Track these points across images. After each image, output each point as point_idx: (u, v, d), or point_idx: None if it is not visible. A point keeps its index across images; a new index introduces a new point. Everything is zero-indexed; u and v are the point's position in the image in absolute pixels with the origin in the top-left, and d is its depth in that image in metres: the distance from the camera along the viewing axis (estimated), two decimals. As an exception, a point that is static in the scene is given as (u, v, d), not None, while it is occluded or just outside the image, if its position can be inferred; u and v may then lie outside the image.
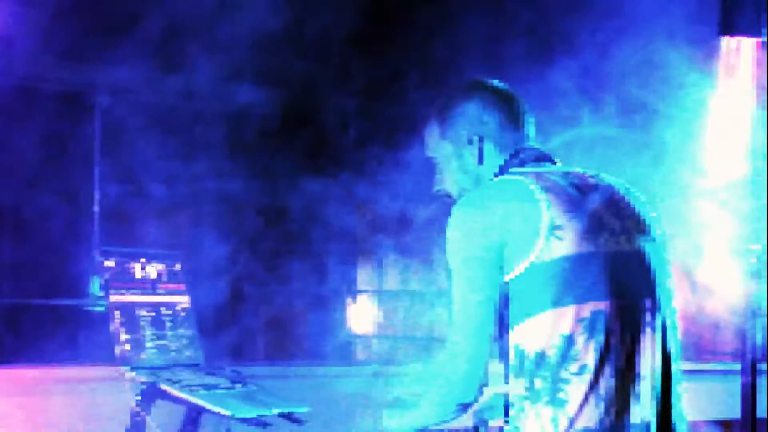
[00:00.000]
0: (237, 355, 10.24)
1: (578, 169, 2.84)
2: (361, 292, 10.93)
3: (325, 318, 10.59)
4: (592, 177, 2.81)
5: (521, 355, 2.67)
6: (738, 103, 6.34)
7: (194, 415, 3.74)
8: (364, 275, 10.98)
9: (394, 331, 10.83)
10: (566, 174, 2.78)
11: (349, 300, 10.77)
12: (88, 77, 8.71)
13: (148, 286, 3.79)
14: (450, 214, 2.75)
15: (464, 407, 2.73)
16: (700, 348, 7.90)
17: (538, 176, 2.74)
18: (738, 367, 5.86)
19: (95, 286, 7.21)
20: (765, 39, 5.98)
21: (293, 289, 10.78)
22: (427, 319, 10.54)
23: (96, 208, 8.82)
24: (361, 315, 10.89)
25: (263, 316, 11.22)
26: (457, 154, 2.90)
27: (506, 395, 2.75)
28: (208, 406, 3.51)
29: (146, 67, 8.47)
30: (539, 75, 6.04)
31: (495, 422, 3.47)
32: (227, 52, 8.04)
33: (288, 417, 3.71)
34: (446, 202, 2.94)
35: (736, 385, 5.75)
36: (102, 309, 3.73)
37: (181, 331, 3.84)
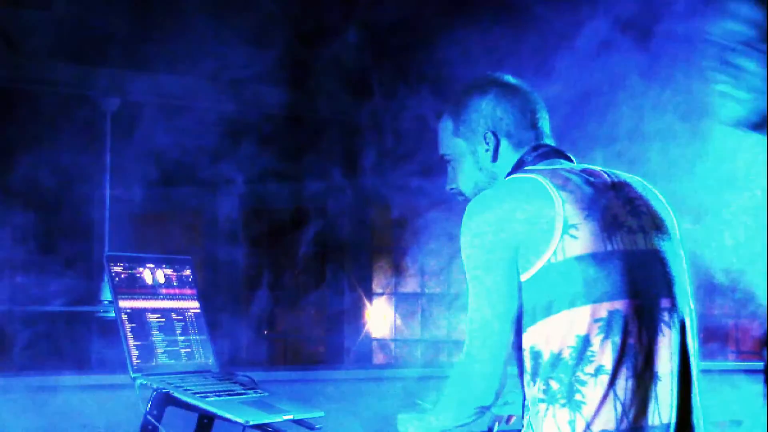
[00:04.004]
0: (252, 360, 10.24)
1: (594, 167, 2.82)
2: (377, 294, 10.92)
3: (341, 321, 10.58)
4: (608, 174, 2.79)
5: (537, 356, 2.65)
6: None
7: (206, 422, 3.73)
8: (380, 278, 10.97)
9: (412, 334, 10.82)
10: (582, 171, 2.76)
11: (366, 303, 10.76)
12: (98, 80, 8.73)
13: (158, 291, 3.78)
14: (464, 214, 2.74)
15: (482, 411, 2.72)
16: (723, 347, 7.87)
17: (553, 174, 2.72)
18: (761, 365, 5.83)
19: (106, 292, 7.24)
20: None
21: (310, 292, 10.78)
22: (446, 322, 10.53)
23: (107, 213, 8.83)
24: (379, 318, 10.88)
25: (279, 320, 11.22)
26: (470, 152, 2.89)
27: (523, 397, 2.74)
28: (220, 412, 3.51)
29: (157, 70, 8.48)
30: (554, 71, 6.03)
31: (510, 422, 3.46)
32: (239, 54, 8.05)
33: (302, 423, 3.70)
34: (460, 201, 2.93)
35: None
36: (112, 315, 3.73)
37: (192, 336, 3.84)
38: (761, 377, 5.77)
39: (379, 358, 10.90)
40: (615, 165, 2.97)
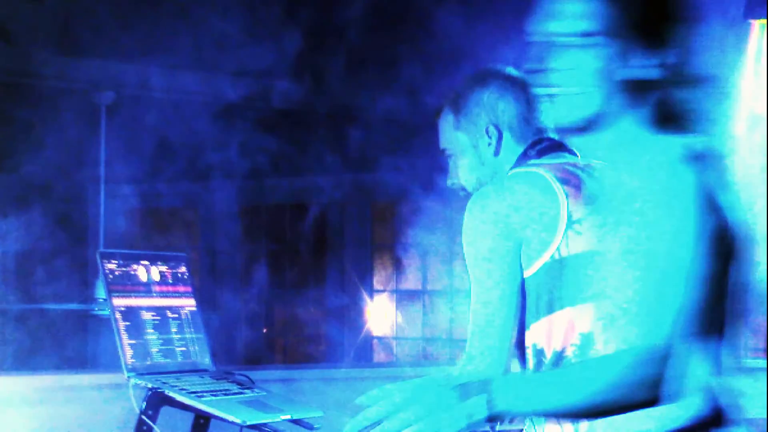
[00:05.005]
0: (250, 359, 10.24)
1: (599, 160, 2.80)
2: (378, 291, 10.92)
3: (341, 319, 10.58)
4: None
5: (539, 354, 2.64)
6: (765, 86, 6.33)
7: (202, 422, 3.73)
8: (381, 275, 10.97)
9: (414, 332, 10.81)
10: (586, 165, 2.75)
11: (367, 300, 10.76)
12: (92, 73, 8.72)
13: (152, 288, 3.78)
14: (465, 209, 2.73)
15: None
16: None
17: (557, 168, 2.71)
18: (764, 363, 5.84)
19: (100, 289, 7.23)
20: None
21: (309, 289, 10.78)
22: (448, 319, 10.52)
23: (102, 208, 8.82)
24: (380, 315, 10.87)
25: (278, 318, 11.21)
26: (472, 146, 2.88)
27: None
28: (217, 412, 3.51)
29: (152, 63, 8.47)
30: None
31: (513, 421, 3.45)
32: (236, 46, 8.03)
33: (300, 423, 3.69)
34: (462, 197, 2.91)
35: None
36: (107, 313, 3.73)
37: (187, 335, 3.83)
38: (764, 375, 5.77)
39: (380, 356, 10.90)
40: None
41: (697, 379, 2.26)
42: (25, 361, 7.37)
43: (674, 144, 2.23)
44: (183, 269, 3.89)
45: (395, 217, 10.21)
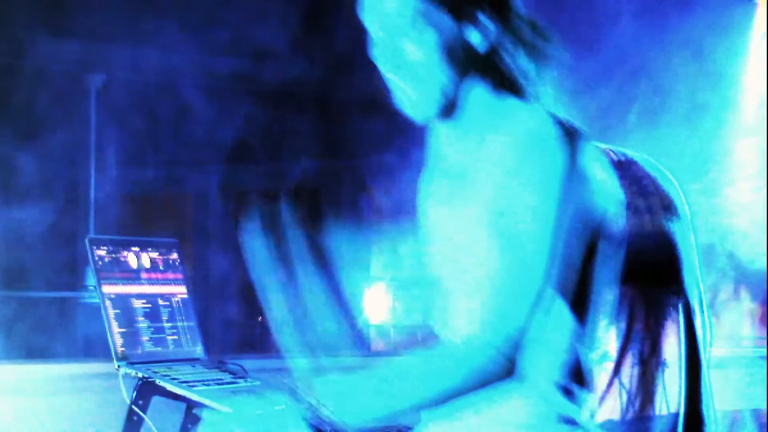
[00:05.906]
0: (244, 347, 10.24)
1: (600, 144, 2.80)
2: (376, 279, 10.90)
3: (337, 306, 10.58)
4: (614, 153, 2.78)
5: (538, 342, 2.64)
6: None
7: (194, 412, 3.73)
8: (379, 261, 10.95)
9: (413, 319, 10.81)
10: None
11: (364, 287, 10.75)
12: (82, 55, 8.71)
13: (143, 276, 3.77)
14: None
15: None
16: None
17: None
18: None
19: (90, 276, 7.22)
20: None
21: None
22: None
23: (92, 194, 8.82)
24: (377, 303, 10.87)
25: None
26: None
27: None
28: (209, 402, 3.50)
29: (143, 45, 8.46)
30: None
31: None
32: (227, 30, 8.02)
33: (294, 413, 3.68)
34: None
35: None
36: (97, 301, 3.72)
37: (179, 323, 3.83)
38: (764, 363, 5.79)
39: (377, 344, 10.90)
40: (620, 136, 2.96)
41: (547, 368, 2.29)
42: (12, 350, 7.37)
43: (543, 118, 2.26)
44: (174, 256, 3.89)
45: (393, 202, 10.20)
